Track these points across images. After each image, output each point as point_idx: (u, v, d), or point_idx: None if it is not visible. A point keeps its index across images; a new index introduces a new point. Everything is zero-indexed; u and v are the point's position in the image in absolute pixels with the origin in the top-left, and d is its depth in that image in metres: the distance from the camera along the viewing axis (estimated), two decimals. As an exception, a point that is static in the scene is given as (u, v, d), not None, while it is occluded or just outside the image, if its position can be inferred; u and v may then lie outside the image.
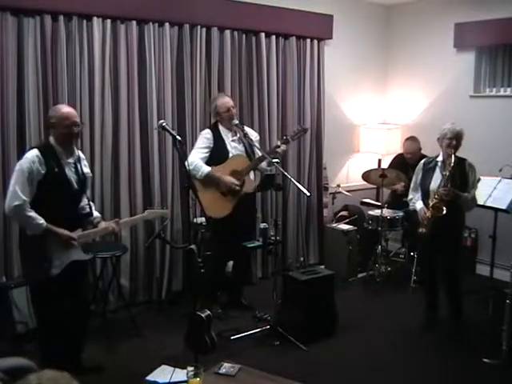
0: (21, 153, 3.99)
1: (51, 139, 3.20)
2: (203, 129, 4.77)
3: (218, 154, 4.38)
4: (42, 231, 3.06)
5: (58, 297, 3.15)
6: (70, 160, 3.24)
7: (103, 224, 3.38)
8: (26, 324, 3.86)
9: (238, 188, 4.34)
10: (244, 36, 5.10)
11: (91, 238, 3.45)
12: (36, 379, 1.41)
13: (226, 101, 4.45)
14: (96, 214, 3.46)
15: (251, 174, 4.50)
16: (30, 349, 3.57)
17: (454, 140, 4.00)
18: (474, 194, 4.13)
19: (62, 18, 4.09)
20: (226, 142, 4.44)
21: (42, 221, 3.05)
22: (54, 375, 1.44)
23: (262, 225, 4.35)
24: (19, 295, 3.87)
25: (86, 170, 3.39)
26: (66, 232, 3.14)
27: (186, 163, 3.33)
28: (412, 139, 5.53)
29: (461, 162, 4.06)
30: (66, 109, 3.24)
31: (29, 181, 3.04)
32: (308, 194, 4.31)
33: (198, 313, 3.59)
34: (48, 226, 3.07)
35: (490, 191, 4.57)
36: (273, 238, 4.22)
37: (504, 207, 4.47)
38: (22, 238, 3.20)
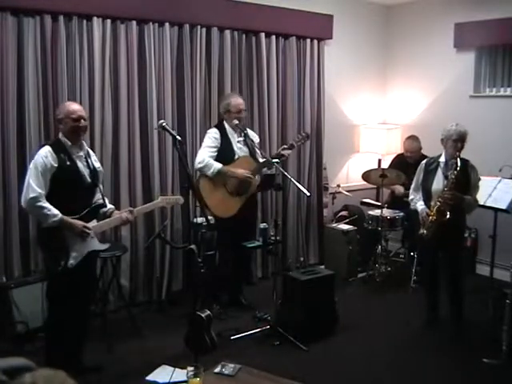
0: (21, 153, 4.02)
1: (60, 135, 3.29)
2: (203, 129, 4.79)
3: (224, 154, 4.40)
4: (57, 223, 3.12)
5: (73, 289, 3.22)
6: (81, 153, 3.33)
7: (117, 214, 3.43)
8: (26, 324, 3.86)
9: (251, 179, 4.36)
10: (244, 36, 5.10)
11: (106, 228, 3.53)
12: (31, 378, 1.41)
13: (240, 102, 4.47)
14: (110, 205, 3.51)
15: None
16: (30, 349, 3.58)
17: (459, 142, 3.98)
18: (476, 197, 4.12)
19: (61, 17, 4.09)
20: (233, 142, 4.47)
21: (56, 212, 3.12)
22: (49, 374, 1.44)
23: (262, 225, 4.36)
24: (19, 295, 3.88)
25: (97, 164, 3.48)
26: (80, 223, 3.21)
27: (188, 164, 3.37)
28: (413, 138, 5.54)
29: (463, 163, 4.02)
30: (72, 105, 3.35)
31: (42, 175, 3.13)
32: (308, 194, 4.32)
33: (198, 313, 3.60)
34: (63, 217, 3.13)
35: (490, 191, 4.56)
36: (273, 237, 4.23)
37: (504, 207, 4.47)
38: (41, 230, 3.25)
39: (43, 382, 1.40)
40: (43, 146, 3.27)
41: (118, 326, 4.17)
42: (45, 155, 3.16)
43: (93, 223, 3.30)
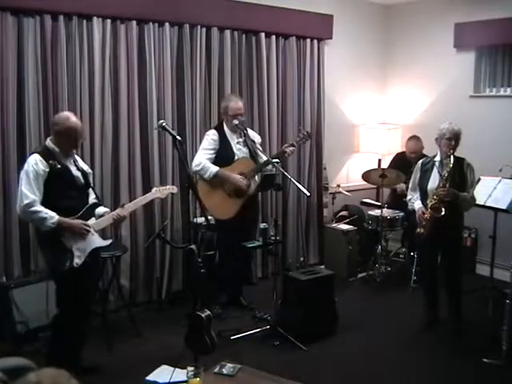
0: (21, 153, 4.01)
1: (49, 144, 3.28)
2: (203, 129, 4.79)
3: (223, 156, 4.39)
4: (55, 225, 3.12)
5: (81, 289, 3.25)
6: (70, 159, 3.34)
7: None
8: (26, 324, 3.86)
9: (245, 187, 4.35)
10: (244, 36, 5.10)
11: (105, 225, 3.50)
12: (35, 377, 1.41)
13: (238, 106, 4.43)
14: (104, 208, 3.52)
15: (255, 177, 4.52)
16: (30, 349, 3.57)
17: (453, 140, 4.00)
18: (473, 194, 4.13)
19: (61, 17, 4.10)
20: (232, 143, 4.45)
21: (53, 214, 3.12)
22: (53, 373, 1.45)
23: (262, 225, 4.35)
24: (19, 295, 3.88)
25: (85, 167, 3.49)
26: (79, 221, 3.22)
27: (188, 164, 3.40)
28: (416, 138, 5.52)
29: (459, 161, 4.06)
30: (75, 120, 3.29)
31: (34, 181, 3.14)
32: (308, 194, 4.32)
33: (198, 313, 3.59)
34: (60, 218, 3.13)
35: (490, 191, 4.56)
36: (273, 237, 4.22)
37: (504, 207, 4.47)
38: (41, 234, 3.23)
39: (48, 381, 1.41)
40: (31, 153, 3.27)
41: (118, 326, 4.17)
42: (34, 163, 3.16)
43: (92, 221, 3.32)
